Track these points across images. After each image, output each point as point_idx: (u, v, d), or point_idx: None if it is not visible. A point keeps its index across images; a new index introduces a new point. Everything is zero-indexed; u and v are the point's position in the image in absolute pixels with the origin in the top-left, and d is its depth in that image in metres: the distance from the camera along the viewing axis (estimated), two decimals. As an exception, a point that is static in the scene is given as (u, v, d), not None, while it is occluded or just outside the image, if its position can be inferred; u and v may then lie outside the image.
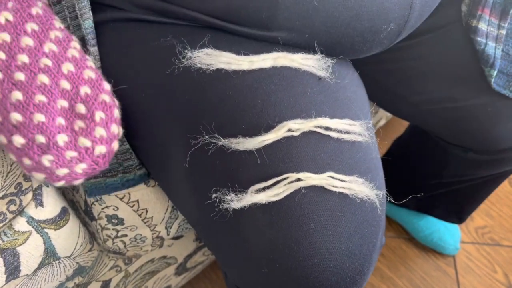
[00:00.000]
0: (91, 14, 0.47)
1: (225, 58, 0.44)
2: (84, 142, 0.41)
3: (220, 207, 0.42)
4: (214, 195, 0.42)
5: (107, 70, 0.48)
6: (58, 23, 0.45)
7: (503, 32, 0.55)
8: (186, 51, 0.44)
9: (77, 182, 0.42)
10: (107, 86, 0.44)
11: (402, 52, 0.61)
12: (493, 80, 0.55)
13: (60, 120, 0.41)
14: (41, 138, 0.39)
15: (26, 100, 0.40)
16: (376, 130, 1.07)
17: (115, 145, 0.44)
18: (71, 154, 0.40)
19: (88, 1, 0.47)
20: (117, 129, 0.44)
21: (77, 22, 0.47)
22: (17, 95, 0.40)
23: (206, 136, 0.42)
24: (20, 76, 0.40)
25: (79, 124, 0.41)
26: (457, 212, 0.90)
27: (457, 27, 0.57)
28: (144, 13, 0.47)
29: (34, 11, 0.43)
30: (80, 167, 0.41)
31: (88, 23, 0.47)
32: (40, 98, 0.40)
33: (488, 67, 0.55)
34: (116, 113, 0.44)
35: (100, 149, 0.42)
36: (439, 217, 0.92)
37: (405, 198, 0.95)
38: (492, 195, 1.06)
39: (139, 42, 0.48)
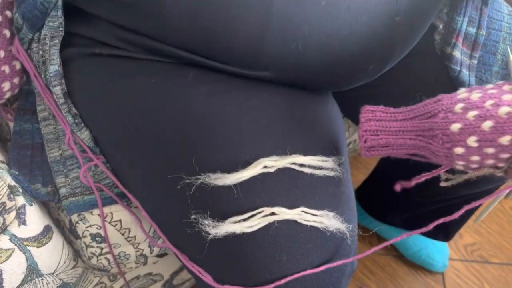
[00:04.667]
0: (59, 60, 0.51)
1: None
2: None
3: (197, 229, 0.44)
4: (193, 216, 0.44)
5: (85, 101, 0.52)
6: None
7: (475, 62, 0.56)
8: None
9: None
10: None
11: (380, 77, 0.63)
12: None
13: None
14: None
15: None
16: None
17: None
18: None
19: (58, 49, 0.51)
20: None
21: (45, 67, 0.52)
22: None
23: (186, 177, 0.44)
24: None
25: None
26: (443, 229, 0.91)
27: (433, 53, 0.59)
28: (133, 50, 0.49)
29: None
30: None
31: (53, 68, 0.51)
32: None
33: None
34: None
35: None
36: (425, 235, 0.93)
37: (391, 215, 0.96)
38: (480, 212, 1.07)
39: (121, 76, 0.50)
